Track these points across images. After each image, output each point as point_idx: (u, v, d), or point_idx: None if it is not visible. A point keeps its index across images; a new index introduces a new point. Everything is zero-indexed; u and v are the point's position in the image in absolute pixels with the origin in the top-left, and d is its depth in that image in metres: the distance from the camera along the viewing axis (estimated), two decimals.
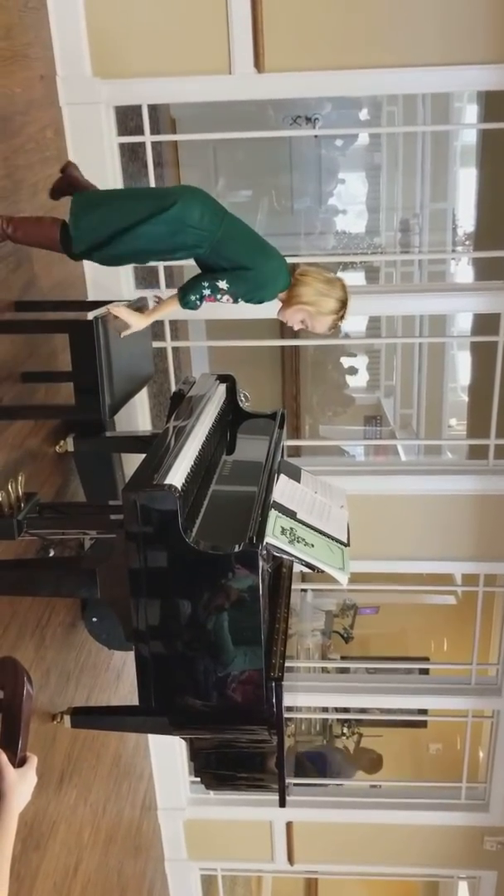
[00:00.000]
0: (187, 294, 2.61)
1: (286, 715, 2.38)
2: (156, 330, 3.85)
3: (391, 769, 7.37)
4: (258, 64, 3.54)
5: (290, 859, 5.34)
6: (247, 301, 2.69)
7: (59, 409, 3.29)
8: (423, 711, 5.70)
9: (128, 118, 4.03)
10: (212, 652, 2.28)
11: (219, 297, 2.61)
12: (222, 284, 2.60)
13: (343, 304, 2.67)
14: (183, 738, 2.75)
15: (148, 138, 3.84)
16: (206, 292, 2.59)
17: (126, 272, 3.96)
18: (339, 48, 3.54)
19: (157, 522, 2.19)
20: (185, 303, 2.61)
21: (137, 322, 2.73)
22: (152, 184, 3.92)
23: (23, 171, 3.17)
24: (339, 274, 2.91)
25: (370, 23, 3.50)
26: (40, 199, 3.33)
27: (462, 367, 8.09)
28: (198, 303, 2.61)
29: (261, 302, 2.73)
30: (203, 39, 3.55)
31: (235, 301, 2.66)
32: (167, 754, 4.97)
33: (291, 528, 2.33)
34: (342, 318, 2.70)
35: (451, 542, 4.40)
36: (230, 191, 7.48)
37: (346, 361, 8.62)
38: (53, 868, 3.33)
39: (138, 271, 4.14)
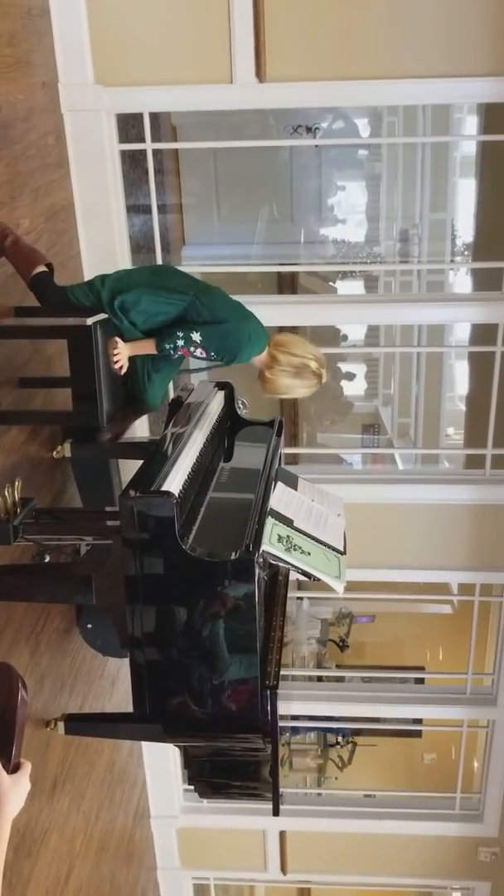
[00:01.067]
0: (163, 341, 2.71)
1: (280, 724, 2.38)
2: None
3: (385, 779, 7.36)
4: (259, 74, 3.55)
5: (284, 868, 5.32)
6: (218, 357, 2.76)
7: (56, 415, 3.29)
8: (418, 721, 5.69)
9: (129, 125, 4.04)
10: (207, 660, 2.28)
11: (192, 349, 2.70)
12: (196, 337, 2.68)
13: (318, 379, 2.75)
14: (177, 746, 2.74)
15: (149, 146, 3.85)
16: (180, 343, 2.68)
17: None
18: (341, 59, 3.55)
19: (153, 529, 2.19)
20: (161, 349, 2.72)
21: (124, 353, 2.78)
22: (153, 190, 3.93)
23: (24, 177, 3.18)
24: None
25: (372, 34, 3.51)
26: (41, 205, 3.34)
27: (460, 377, 8.10)
28: (171, 351, 2.71)
29: (232, 361, 2.78)
30: (205, 48, 3.56)
31: (208, 355, 2.72)
32: (161, 762, 4.95)
33: (288, 536, 2.33)
34: (318, 386, 2.78)
35: (448, 551, 4.40)
36: (230, 199, 7.49)
37: (342, 366, 8.63)
38: (45, 876, 3.32)
39: None
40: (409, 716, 5.35)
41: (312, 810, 5.32)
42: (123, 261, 3.92)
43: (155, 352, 2.76)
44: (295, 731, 6.74)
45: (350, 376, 8.79)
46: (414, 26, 3.49)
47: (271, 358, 2.74)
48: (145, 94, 3.66)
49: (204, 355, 2.72)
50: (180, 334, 2.68)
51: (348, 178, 8.15)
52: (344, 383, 8.71)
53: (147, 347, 2.77)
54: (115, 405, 2.88)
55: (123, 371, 2.80)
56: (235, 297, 2.90)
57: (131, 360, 2.83)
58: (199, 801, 5.03)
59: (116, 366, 2.77)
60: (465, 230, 7.03)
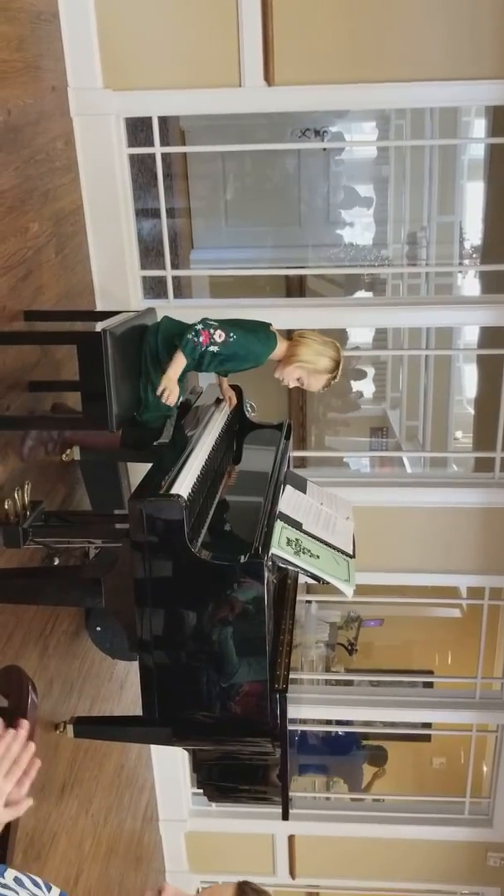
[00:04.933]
0: (184, 336, 2.71)
1: (289, 727, 2.38)
2: None
3: (394, 783, 7.34)
4: (268, 77, 3.56)
5: (292, 873, 5.31)
6: (236, 349, 2.76)
7: (66, 421, 3.29)
8: (427, 725, 5.67)
9: (138, 129, 4.05)
10: (216, 663, 2.28)
11: (212, 332, 2.71)
12: (213, 322, 2.73)
13: (337, 364, 2.83)
14: (186, 750, 2.74)
15: (158, 150, 3.85)
16: (199, 327, 2.70)
17: (134, 282, 3.98)
18: (349, 62, 3.56)
19: (162, 532, 2.19)
20: (185, 345, 2.70)
21: (169, 384, 2.78)
22: (161, 194, 3.94)
23: (34, 181, 3.19)
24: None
25: (379, 37, 3.51)
26: (51, 209, 3.35)
27: (468, 380, 8.08)
28: (195, 339, 2.70)
29: (253, 362, 2.82)
30: (213, 52, 3.56)
31: (228, 337, 2.73)
32: (169, 765, 4.95)
33: (297, 540, 2.33)
34: (335, 377, 2.85)
35: (457, 554, 4.39)
36: (238, 202, 7.50)
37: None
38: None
39: (146, 280, 4.16)
40: (418, 720, 5.33)
41: (321, 814, 5.30)
42: (133, 264, 3.93)
43: (184, 357, 2.74)
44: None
45: (360, 374, 8.76)
46: (422, 29, 3.49)
47: (298, 338, 2.84)
48: (154, 98, 3.67)
49: (223, 338, 2.71)
50: (197, 321, 2.72)
51: (356, 180, 8.15)
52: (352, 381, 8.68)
53: (178, 360, 2.75)
54: (125, 410, 2.88)
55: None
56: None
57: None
58: (207, 804, 5.03)
59: (170, 400, 2.78)
60: (474, 233, 7.02)
